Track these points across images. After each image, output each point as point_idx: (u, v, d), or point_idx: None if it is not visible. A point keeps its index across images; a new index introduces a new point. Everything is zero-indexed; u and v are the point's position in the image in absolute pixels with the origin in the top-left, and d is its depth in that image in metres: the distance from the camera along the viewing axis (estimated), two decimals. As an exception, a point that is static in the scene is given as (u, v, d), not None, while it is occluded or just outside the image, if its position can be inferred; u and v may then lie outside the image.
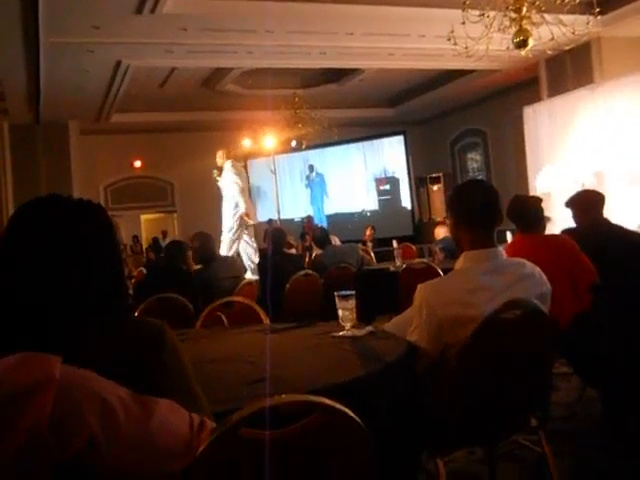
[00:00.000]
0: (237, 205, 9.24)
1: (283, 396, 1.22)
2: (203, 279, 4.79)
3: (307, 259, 8.86)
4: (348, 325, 2.46)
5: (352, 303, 2.49)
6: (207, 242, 5.15)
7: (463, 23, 7.70)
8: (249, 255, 9.30)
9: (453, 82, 13.14)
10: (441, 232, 6.35)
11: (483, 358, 2.14)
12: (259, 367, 1.98)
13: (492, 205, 2.39)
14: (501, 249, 2.40)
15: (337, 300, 2.49)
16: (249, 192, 10.84)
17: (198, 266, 5.07)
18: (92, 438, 0.99)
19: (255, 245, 9.50)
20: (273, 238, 5.30)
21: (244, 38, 9.47)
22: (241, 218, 9.22)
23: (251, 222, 9.45)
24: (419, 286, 2.39)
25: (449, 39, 8.61)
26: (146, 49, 9.75)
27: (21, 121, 13.10)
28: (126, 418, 1.05)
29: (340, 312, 2.48)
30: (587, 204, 4.00)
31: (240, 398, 1.62)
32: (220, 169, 9.50)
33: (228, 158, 9.52)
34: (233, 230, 9.20)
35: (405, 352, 2.12)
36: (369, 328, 2.51)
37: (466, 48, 8.36)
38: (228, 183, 9.31)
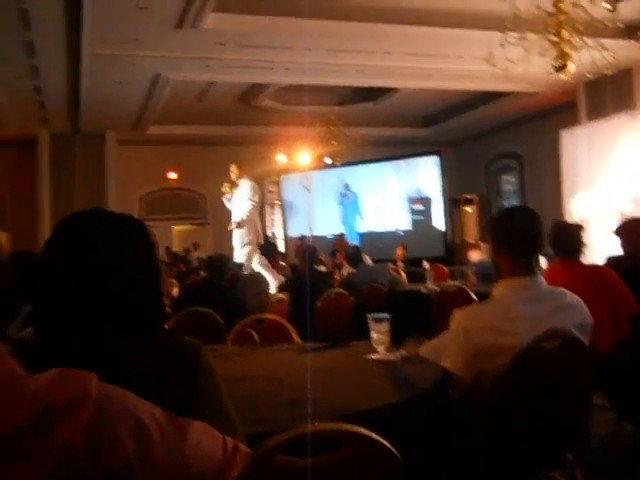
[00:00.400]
0: (249, 222, 9.17)
1: (320, 424, 1.19)
2: (229, 298, 4.78)
3: (337, 277, 8.83)
4: (381, 348, 2.43)
5: (386, 326, 2.46)
6: (223, 261, 5.18)
7: (502, 45, 7.66)
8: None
9: (489, 104, 13.08)
10: (475, 255, 6.29)
11: (519, 387, 2.09)
12: (292, 388, 1.96)
13: (534, 232, 2.35)
14: (541, 277, 2.34)
15: (371, 323, 2.46)
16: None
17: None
18: (126, 459, 0.97)
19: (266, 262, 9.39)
20: (306, 255, 5.29)
21: (282, 55, 9.55)
22: (254, 235, 9.19)
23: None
24: (456, 311, 2.34)
25: (487, 61, 8.59)
26: (185, 63, 9.87)
27: (61, 130, 13.34)
28: (160, 440, 1.04)
29: (374, 335, 2.45)
30: (633, 232, 3.92)
31: (274, 420, 1.60)
32: (232, 183, 9.41)
33: (241, 173, 9.37)
34: (249, 246, 9.12)
35: (439, 379, 2.08)
36: (403, 352, 2.47)
37: (505, 70, 8.33)
38: (243, 200, 9.20)
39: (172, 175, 15.73)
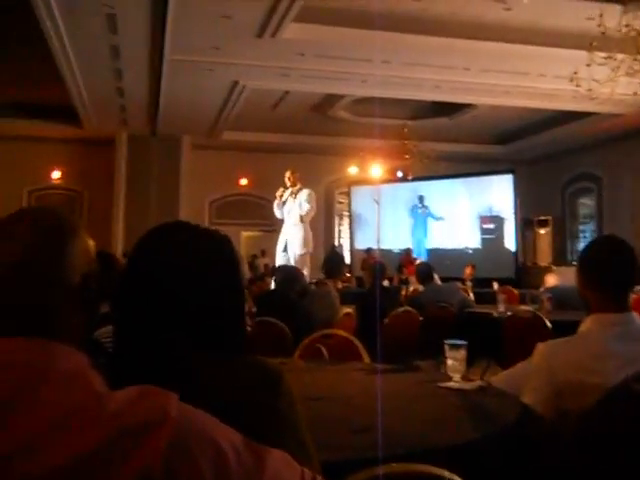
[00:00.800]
0: (303, 231, 9.04)
1: (402, 465, 1.12)
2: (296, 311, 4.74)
3: (403, 293, 8.71)
4: (457, 377, 2.33)
5: (462, 354, 2.36)
6: (294, 274, 5.13)
7: (588, 65, 7.45)
8: None
9: (570, 123, 12.73)
10: (551, 280, 6.06)
11: (606, 430, 1.96)
12: (364, 413, 1.89)
13: (627, 264, 2.21)
14: (635, 314, 2.20)
15: (446, 349, 2.37)
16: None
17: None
18: (202, 485, 0.93)
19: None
20: (375, 272, 5.22)
21: (359, 67, 9.55)
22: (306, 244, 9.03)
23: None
24: (539, 345, 2.22)
25: (571, 80, 8.35)
26: (263, 71, 9.98)
27: (138, 132, 13.72)
28: (238, 468, 0.99)
29: (449, 362, 2.35)
30: None
31: (346, 448, 1.54)
32: (286, 188, 9.14)
33: (296, 180, 9.09)
34: (303, 253, 8.98)
35: (520, 414, 1.97)
36: (478, 382, 2.37)
37: (589, 90, 8.08)
38: (303, 208, 8.99)
39: (243, 181, 15.92)
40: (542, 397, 2.09)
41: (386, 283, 9.33)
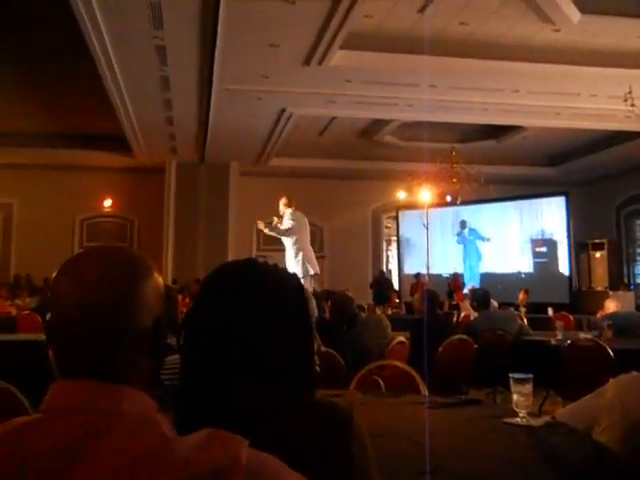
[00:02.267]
0: (297, 253, 8.92)
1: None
2: (347, 341, 4.66)
3: (455, 318, 8.56)
4: (523, 412, 2.24)
5: (529, 388, 2.26)
6: (346, 303, 5.07)
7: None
8: None
9: (623, 144, 12.43)
10: (611, 305, 5.85)
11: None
12: (430, 451, 1.81)
13: None
14: None
15: (512, 384, 2.28)
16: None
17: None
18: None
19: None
20: (429, 300, 5.12)
21: (406, 92, 9.53)
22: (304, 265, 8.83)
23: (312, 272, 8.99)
24: (611, 381, 2.12)
25: (625, 100, 8.18)
26: (310, 99, 10.05)
27: (187, 159, 13.94)
28: (309, 517, 0.94)
29: (515, 397, 2.26)
30: None
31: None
32: (280, 217, 9.03)
33: (289, 206, 8.96)
34: (304, 276, 8.79)
35: (594, 454, 1.87)
36: (545, 418, 2.27)
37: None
38: (285, 225, 8.94)
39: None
40: (618, 436, 1.98)
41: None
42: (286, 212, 8.77)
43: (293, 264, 8.63)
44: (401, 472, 1.67)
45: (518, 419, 2.22)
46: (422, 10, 7.47)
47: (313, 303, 1.29)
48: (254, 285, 1.18)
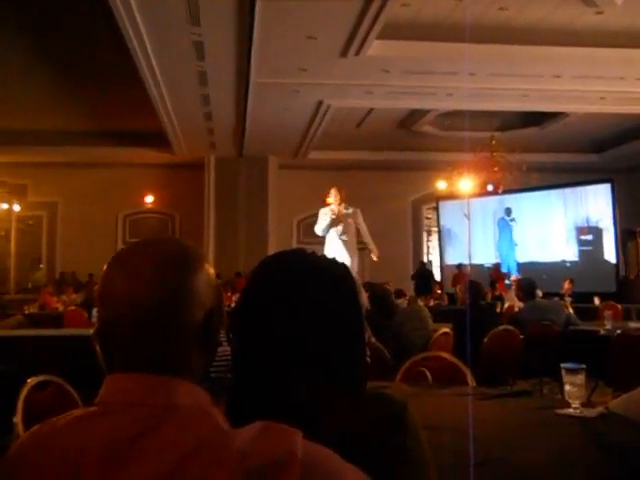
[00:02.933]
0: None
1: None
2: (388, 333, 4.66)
3: (499, 309, 8.45)
4: (576, 403, 2.18)
5: (581, 378, 2.21)
6: (385, 294, 5.09)
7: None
8: None
9: (670, 128, 12.11)
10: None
11: None
12: (481, 443, 1.78)
13: None
14: None
15: (563, 374, 2.22)
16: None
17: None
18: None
19: None
20: (472, 291, 5.07)
21: (445, 80, 9.41)
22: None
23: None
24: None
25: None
26: (347, 90, 10.00)
27: (226, 154, 14.03)
28: (364, 509, 0.93)
29: (567, 387, 2.21)
30: None
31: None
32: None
33: (342, 200, 8.58)
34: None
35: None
36: (599, 409, 2.21)
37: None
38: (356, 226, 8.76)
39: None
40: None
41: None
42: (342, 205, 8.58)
43: (346, 257, 8.53)
44: (450, 465, 1.64)
45: (571, 410, 2.17)
46: (460, -3, 7.36)
47: (364, 294, 1.27)
48: (304, 275, 1.16)
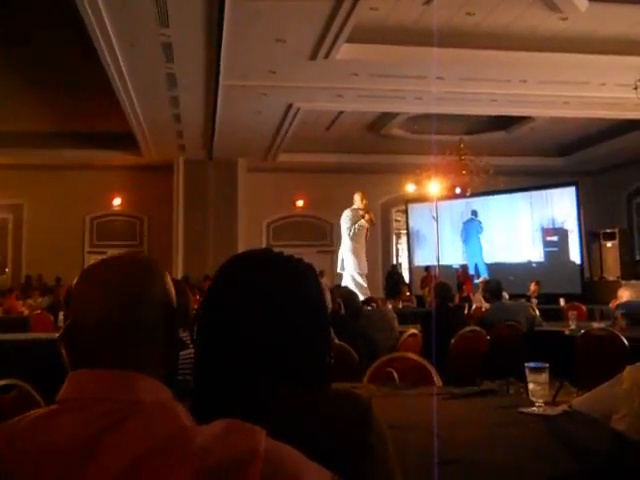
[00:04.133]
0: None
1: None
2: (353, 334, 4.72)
3: (466, 310, 8.53)
4: (539, 402, 2.22)
5: (545, 377, 2.25)
6: (350, 296, 5.17)
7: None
8: None
9: (633, 132, 12.35)
10: (625, 294, 5.81)
11: None
12: (446, 442, 1.80)
13: None
14: None
15: (527, 373, 2.26)
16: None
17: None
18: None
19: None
20: (439, 293, 5.14)
21: (414, 84, 9.49)
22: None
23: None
24: (628, 368, 2.11)
25: (635, 88, 8.13)
26: (317, 93, 10.03)
27: (195, 157, 13.95)
28: (327, 508, 0.94)
29: (530, 386, 2.25)
30: None
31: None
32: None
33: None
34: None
35: (613, 442, 1.85)
36: (563, 407, 2.25)
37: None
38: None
39: (299, 202, 15.98)
40: (636, 422, 1.97)
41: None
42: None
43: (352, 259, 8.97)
44: (416, 464, 1.66)
45: (535, 408, 2.21)
46: (428, 1, 7.43)
47: (328, 294, 1.28)
48: (268, 274, 1.17)
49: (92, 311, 1.00)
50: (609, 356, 4.29)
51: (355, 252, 9.24)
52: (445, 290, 5.30)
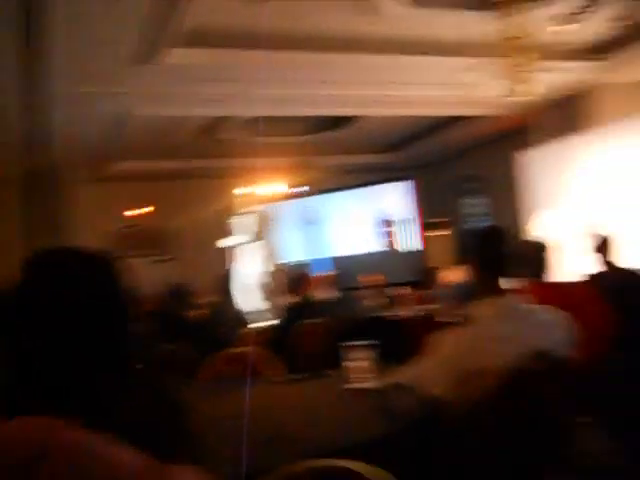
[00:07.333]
0: None
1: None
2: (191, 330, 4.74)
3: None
4: (361, 377, 2.37)
5: (366, 353, 2.41)
6: (183, 293, 5.20)
7: (462, 71, 7.79)
8: None
9: (456, 126, 13.22)
10: (451, 277, 6.23)
11: (512, 410, 2.04)
12: (272, 424, 1.88)
13: (500, 250, 2.33)
14: (517, 296, 2.32)
15: (348, 352, 2.40)
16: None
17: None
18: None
19: None
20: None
21: (247, 87, 9.47)
22: None
23: None
24: (434, 336, 2.30)
25: (445, 86, 8.68)
26: (150, 99, 9.79)
27: (20, 169, 13.04)
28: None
29: (352, 364, 2.39)
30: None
31: (253, 460, 1.53)
32: None
33: None
34: None
35: (427, 408, 2.02)
36: (385, 381, 2.42)
37: (462, 95, 8.46)
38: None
39: (136, 211, 15.45)
40: (449, 386, 2.15)
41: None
42: None
43: None
44: (241, 446, 1.72)
45: (359, 384, 2.35)
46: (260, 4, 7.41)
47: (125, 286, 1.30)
48: (61, 273, 1.19)
49: None
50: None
51: None
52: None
